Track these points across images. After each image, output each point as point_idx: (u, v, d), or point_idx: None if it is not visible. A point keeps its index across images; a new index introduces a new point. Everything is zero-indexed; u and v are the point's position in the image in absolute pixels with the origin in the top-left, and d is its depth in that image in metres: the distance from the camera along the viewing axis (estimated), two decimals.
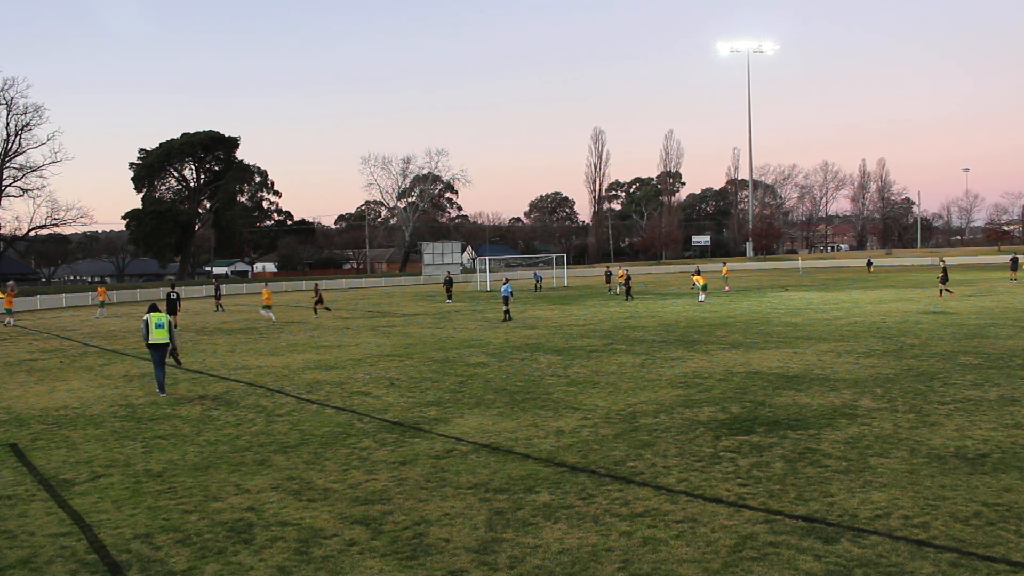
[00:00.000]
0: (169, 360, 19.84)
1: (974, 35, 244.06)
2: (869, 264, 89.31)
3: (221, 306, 52.35)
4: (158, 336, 18.62)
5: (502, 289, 38.64)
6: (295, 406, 16.71)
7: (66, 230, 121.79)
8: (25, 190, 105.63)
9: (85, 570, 8.01)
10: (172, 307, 36.63)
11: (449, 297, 54.45)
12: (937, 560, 7.48)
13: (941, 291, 40.14)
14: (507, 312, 36.73)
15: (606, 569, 7.56)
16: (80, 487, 11.09)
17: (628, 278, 48.46)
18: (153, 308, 19.24)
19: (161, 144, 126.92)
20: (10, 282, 51.49)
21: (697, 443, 12.28)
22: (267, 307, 41.88)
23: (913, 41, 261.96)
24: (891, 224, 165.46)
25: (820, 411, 14.22)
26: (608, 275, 61.74)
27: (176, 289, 39.88)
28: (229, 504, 10.04)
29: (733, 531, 8.41)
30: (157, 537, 8.89)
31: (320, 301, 43.99)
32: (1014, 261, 53.88)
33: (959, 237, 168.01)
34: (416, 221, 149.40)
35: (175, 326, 18.03)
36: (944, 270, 41.15)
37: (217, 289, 54.68)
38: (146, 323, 18.65)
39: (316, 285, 48.60)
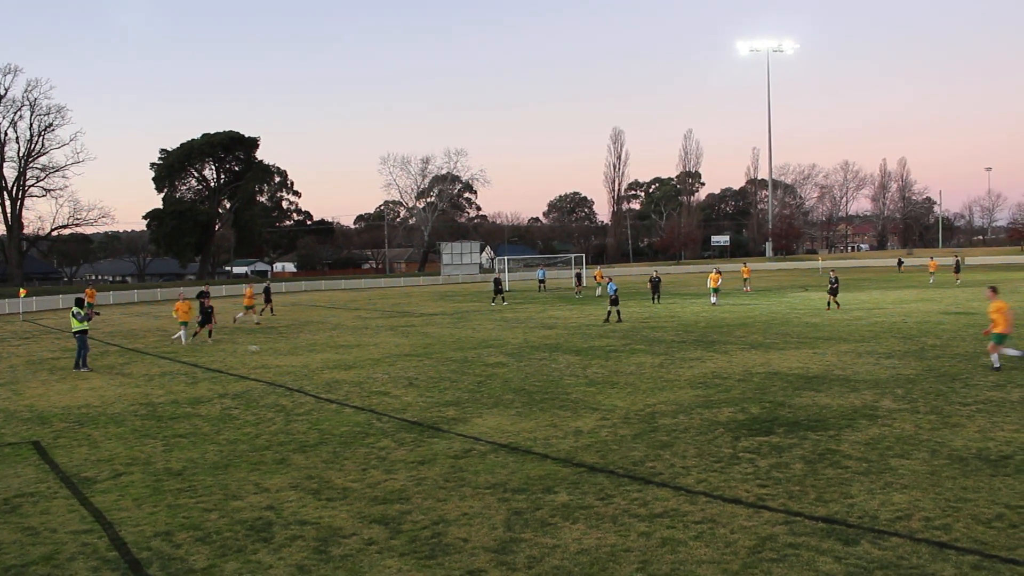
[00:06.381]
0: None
1: (996, 33, 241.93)
2: (900, 264, 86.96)
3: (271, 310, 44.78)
4: (75, 325, 23.78)
5: (608, 288, 35.24)
6: (314, 405, 16.78)
7: (88, 230, 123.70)
8: (48, 190, 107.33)
9: (106, 567, 8.07)
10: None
11: (494, 299, 50.00)
12: (959, 563, 7.41)
13: (829, 303, 36.40)
14: (616, 311, 33.65)
15: (625, 570, 7.55)
16: (101, 485, 11.18)
17: (658, 280, 45.86)
18: (75, 303, 24.42)
19: (182, 144, 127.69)
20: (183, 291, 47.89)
21: (716, 444, 12.24)
22: None
23: (933, 39, 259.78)
24: (912, 224, 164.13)
25: (840, 412, 14.14)
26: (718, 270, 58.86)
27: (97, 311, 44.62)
28: (248, 503, 10.09)
29: (752, 532, 8.38)
30: (177, 535, 8.94)
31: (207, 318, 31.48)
32: None
33: (981, 237, 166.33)
34: (435, 221, 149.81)
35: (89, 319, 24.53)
36: (835, 280, 37.42)
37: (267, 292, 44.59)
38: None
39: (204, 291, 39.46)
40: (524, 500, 9.78)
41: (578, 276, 59.55)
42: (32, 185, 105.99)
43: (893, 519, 8.62)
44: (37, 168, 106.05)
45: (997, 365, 17.93)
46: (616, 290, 34.76)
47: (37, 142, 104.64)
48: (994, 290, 19.17)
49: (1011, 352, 18.25)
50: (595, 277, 58.03)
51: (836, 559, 7.59)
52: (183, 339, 30.40)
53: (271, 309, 44.51)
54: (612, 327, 31.00)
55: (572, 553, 8.01)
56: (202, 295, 37.73)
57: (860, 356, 20.77)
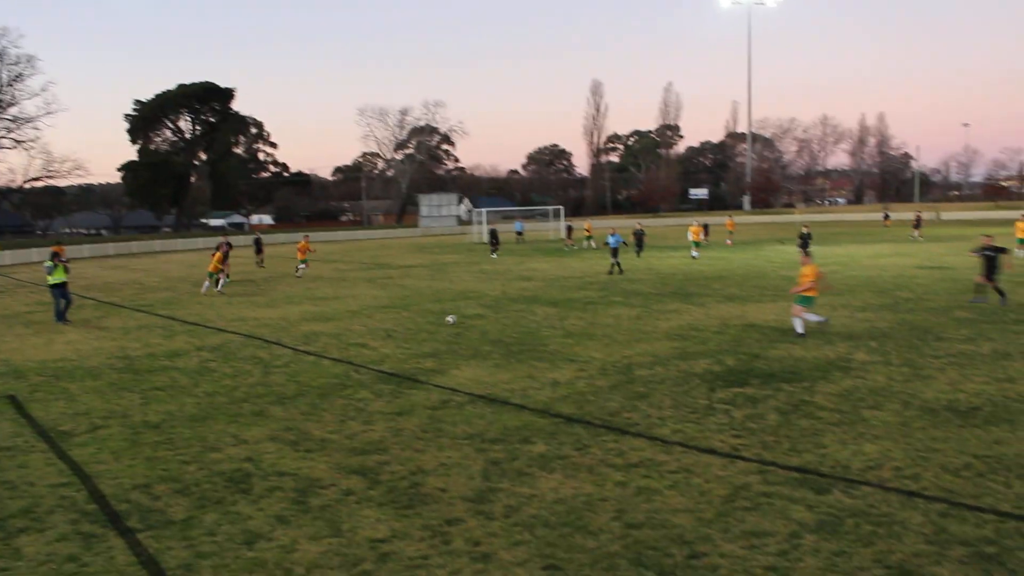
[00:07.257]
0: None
1: None
2: (886, 217, 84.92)
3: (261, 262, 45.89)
4: (50, 279, 23.67)
5: (610, 240, 34.93)
6: (292, 357, 16.77)
7: (61, 182, 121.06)
8: (19, 142, 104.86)
9: (85, 520, 8.09)
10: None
11: (494, 251, 49.38)
12: (927, 510, 7.57)
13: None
14: (617, 264, 34.01)
15: (601, 519, 7.66)
16: (79, 438, 11.16)
17: (641, 233, 44.39)
18: (50, 257, 23.97)
19: (157, 95, 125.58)
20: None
21: (692, 395, 12.36)
22: None
23: None
24: (889, 179, 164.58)
25: (814, 364, 14.30)
26: (705, 227, 52.11)
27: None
28: (227, 455, 10.12)
29: (727, 481, 8.51)
30: (156, 487, 8.97)
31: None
32: None
33: (957, 192, 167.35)
34: (413, 173, 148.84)
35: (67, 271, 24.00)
36: (808, 235, 36.69)
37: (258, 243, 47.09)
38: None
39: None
40: (501, 450, 9.87)
41: (569, 228, 59.50)
42: (2, 137, 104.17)
43: (864, 468, 8.78)
44: (7, 119, 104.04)
45: (801, 331, 17.26)
46: (620, 242, 34.58)
47: (7, 92, 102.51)
48: (807, 254, 19.14)
49: (813, 318, 17.67)
50: (585, 230, 57.91)
51: (808, 507, 7.73)
52: (213, 287, 30.86)
53: (262, 261, 45.12)
54: (591, 279, 31.08)
55: (549, 502, 8.10)
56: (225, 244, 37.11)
57: (835, 309, 20.96)
